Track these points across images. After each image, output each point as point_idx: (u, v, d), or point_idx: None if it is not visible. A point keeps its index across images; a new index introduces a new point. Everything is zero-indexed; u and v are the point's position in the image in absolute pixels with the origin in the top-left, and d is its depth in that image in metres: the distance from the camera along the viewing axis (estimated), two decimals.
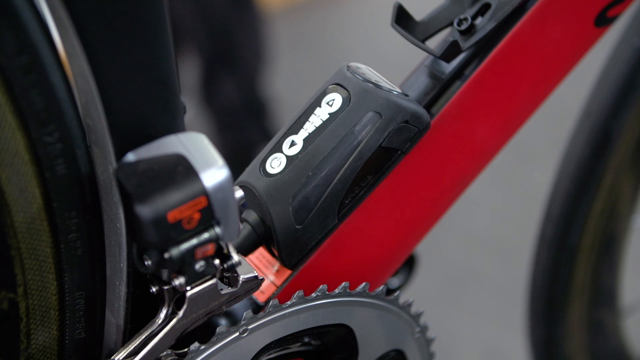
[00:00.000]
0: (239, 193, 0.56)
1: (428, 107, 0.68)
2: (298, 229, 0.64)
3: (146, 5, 0.51)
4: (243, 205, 0.64)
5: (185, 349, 0.59)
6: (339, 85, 0.66)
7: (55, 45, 0.50)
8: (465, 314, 1.85)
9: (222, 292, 0.58)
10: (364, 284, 0.65)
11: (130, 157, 0.53)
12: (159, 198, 0.51)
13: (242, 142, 2.15)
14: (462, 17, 0.67)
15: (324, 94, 0.66)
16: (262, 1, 2.31)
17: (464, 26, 0.67)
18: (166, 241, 0.53)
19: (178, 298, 0.57)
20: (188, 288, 0.56)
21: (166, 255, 0.53)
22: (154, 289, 0.57)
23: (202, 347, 0.59)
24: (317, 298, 0.63)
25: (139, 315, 0.59)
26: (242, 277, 0.59)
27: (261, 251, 0.69)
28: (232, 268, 0.58)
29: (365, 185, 0.65)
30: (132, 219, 0.52)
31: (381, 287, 0.66)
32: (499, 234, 2.05)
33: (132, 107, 0.53)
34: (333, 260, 0.67)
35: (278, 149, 0.65)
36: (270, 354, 0.64)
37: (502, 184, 2.15)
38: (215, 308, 0.59)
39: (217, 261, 0.57)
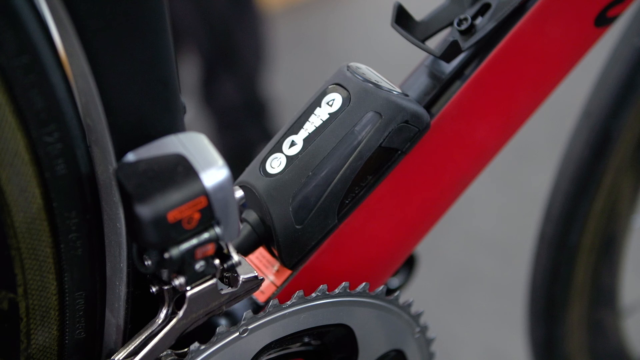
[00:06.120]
0: (239, 193, 0.56)
1: (428, 107, 0.68)
2: (298, 229, 0.63)
3: (146, 5, 0.51)
4: (243, 205, 0.64)
5: (185, 349, 0.59)
6: (339, 85, 0.66)
7: (55, 45, 0.50)
8: (465, 314, 1.85)
9: (222, 292, 0.58)
10: (364, 284, 0.65)
11: (130, 157, 0.53)
12: (159, 198, 0.51)
13: (242, 142, 2.15)
14: (462, 17, 0.67)
15: (324, 94, 0.66)
16: (262, 1, 2.31)
17: (464, 26, 0.67)
18: (166, 241, 0.53)
19: (178, 298, 0.57)
20: (188, 288, 0.56)
21: (166, 255, 0.53)
22: (154, 289, 0.57)
23: (202, 347, 0.59)
24: (317, 298, 0.62)
25: (139, 315, 0.59)
26: (242, 277, 0.59)
27: (261, 251, 0.69)
28: (232, 268, 0.58)
29: (365, 185, 0.65)
30: (132, 219, 0.52)
31: (381, 287, 0.66)
32: (499, 234, 2.04)
33: (132, 107, 0.53)
34: (333, 260, 0.67)
35: (278, 149, 0.65)
36: (270, 354, 0.64)
37: (502, 184, 2.15)
38: (215, 308, 0.59)
39: (217, 261, 0.57)
